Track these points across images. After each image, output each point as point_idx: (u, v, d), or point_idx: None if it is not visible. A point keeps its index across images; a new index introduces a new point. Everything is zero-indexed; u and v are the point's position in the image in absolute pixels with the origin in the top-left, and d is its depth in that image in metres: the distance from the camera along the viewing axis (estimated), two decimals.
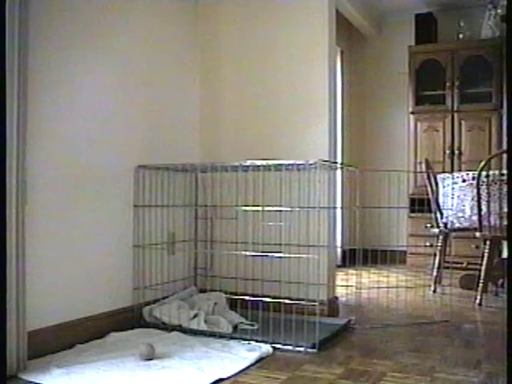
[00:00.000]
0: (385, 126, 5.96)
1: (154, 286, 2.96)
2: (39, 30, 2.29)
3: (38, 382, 1.97)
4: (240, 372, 2.10)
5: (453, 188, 3.76)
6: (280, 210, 2.72)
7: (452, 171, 5.10)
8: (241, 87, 3.38)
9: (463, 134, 5.34)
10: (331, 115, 3.16)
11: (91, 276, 2.61)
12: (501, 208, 3.42)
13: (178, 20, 3.34)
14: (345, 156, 5.67)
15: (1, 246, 1.96)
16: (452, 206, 3.76)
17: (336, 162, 3.22)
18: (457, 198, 3.72)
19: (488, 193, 3.45)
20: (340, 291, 3.47)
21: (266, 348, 2.39)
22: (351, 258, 4.60)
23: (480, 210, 3.48)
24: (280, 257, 2.63)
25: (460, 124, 5.36)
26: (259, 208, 2.84)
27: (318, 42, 3.15)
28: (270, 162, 2.70)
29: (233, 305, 2.90)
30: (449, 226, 3.86)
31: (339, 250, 5.15)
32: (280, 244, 2.87)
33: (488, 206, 3.45)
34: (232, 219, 3.11)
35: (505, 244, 3.97)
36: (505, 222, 3.38)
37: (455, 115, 5.37)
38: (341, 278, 3.85)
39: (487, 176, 3.46)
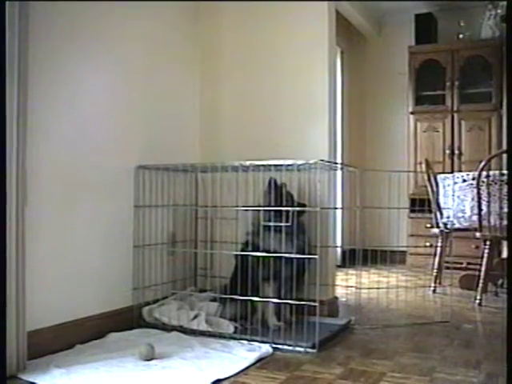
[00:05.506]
0: (385, 126, 5.96)
1: (154, 286, 2.96)
2: (39, 31, 2.29)
3: (37, 382, 1.97)
4: (240, 372, 2.10)
5: (453, 188, 3.76)
6: (280, 210, 2.72)
7: (452, 171, 5.10)
8: (241, 88, 3.37)
9: (463, 134, 5.35)
10: (331, 115, 3.16)
11: (91, 276, 2.61)
12: (501, 208, 3.42)
13: (179, 22, 3.34)
14: (345, 156, 5.67)
15: (1, 246, 1.96)
16: (452, 206, 3.76)
17: (336, 163, 3.22)
18: (457, 198, 3.72)
19: (488, 193, 3.45)
20: (340, 291, 3.47)
21: (266, 348, 2.39)
22: (351, 258, 4.58)
23: (480, 210, 3.48)
24: (280, 257, 2.63)
25: (460, 124, 5.36)
26: (259, 208, 2.84)
27: (318, 42, 3.15)
28: (270, 162, 2.70)
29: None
30: (449, 226, 3.86)
31: (339, 250, 5.15)
32: (280, 244, 2.86)
33: (488, 206, 3.45)
34: (232, 219, 3.11)
35: (505, 244, 3.97)
36: (505, 222, 3.38)
37: (455, 115, 5.38)
38: (341, 278, 3.84)
39: (487, 176, 3.46)
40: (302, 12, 3.19)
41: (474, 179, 3.55)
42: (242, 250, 2.83)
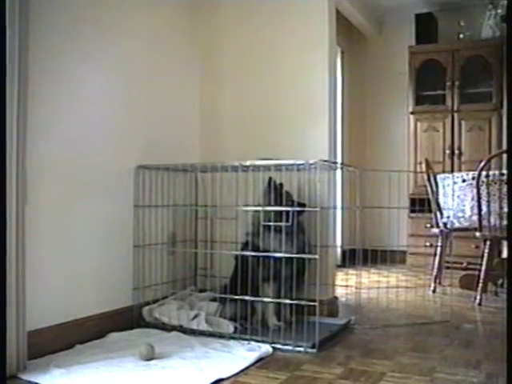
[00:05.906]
0: (385, 126, 5.96)
1: (154, 286, 2.96)
2: (40, 30, 2.29)
3: (37, 382, 1.97)
4: (240, 372, 2.10)
5: (453, 188, 3.76)
6: (280, 210, 2.72)
7: (452, 171, 5.10)
8: (241, 87, 3.37)
9: (463, 134, 5.35)
10: (331, 115, 3.16)
11: (91, 276, 2.61)
12: (501, 208, 3.42)
13: (179, 22, 3.34)
14: (345, 156, 5.67)
15: (1, 246, 1.96)
16: (452, 206, 3.76)
17: (336, 162, 3.22)
18: (457, 198, 3.72)
19: (488, 193, 3.45)
20: (340, 291, 3.47)
21: (266, 348, 2.39)
22: (351, 258, 4.59)
23: (480, 210, 3.48)
24: (280, 257, 2.63)
25: (460, 124, 5.36)
26: (259, 208, 2.84)
27: (318, 42, 3.15)
28: (270, 162, 2.70)
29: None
30: (449, 226, 3.86)
31: (339, 250, 5.15)
32: (280, 244, 2.86)
33: (488, 206, 3.45)
34: (232, 219, 3.11)
35: (505, 244, 3.97)
36: (505, 222, 3.38)
37: (455, 115, 5.37)
38: (341, 278, 3.85)
39: (487, 176, 3.46)
40: (302, 11, 3.19)
41: (473, 179, 3.55)
42: (242, 250, 2.84)
